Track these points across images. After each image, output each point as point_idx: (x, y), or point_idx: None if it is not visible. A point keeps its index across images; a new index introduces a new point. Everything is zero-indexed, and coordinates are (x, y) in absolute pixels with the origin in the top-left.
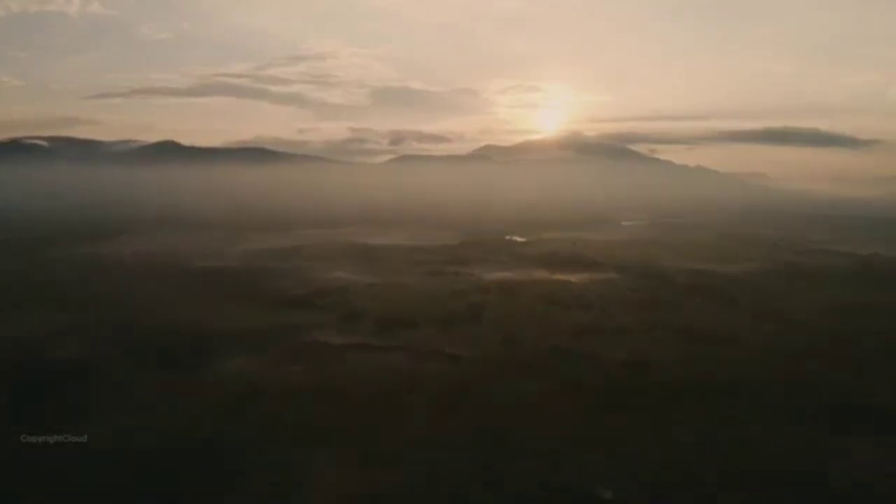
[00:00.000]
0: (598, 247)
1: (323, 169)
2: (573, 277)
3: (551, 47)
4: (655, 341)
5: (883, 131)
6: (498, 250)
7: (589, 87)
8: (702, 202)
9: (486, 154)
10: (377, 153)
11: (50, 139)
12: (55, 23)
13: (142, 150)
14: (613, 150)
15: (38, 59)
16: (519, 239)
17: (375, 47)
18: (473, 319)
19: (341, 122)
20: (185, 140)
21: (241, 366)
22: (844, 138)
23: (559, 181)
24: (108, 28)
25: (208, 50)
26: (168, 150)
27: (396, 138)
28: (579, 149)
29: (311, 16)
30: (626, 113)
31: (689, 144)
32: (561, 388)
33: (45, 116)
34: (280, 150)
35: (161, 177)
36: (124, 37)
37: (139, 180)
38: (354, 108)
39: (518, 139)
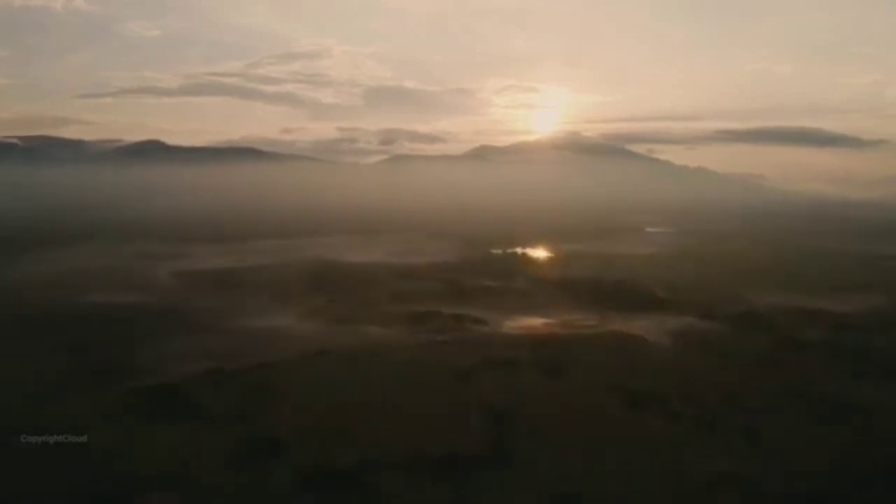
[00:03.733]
0: (643, 267)
1: (310, 169)
2: (642, 328)
3: (549, 46)
4: None
5: (887, 132)
6: (513, 273)
7: (587, 88)
8: (712, 204)
9: (481, 154)
10: (368, 153)
11: (25, 139)
12: (41, 19)
13: (124, 150)
14: (612, 150)
15: (25, 57)
16: (534, 254)
17: (370, 45)
18: (503, 464)
19: (334, 123)
20: (174, 140)
21: None
22: (847, 138)
23: (557, 182)
24: (95, 25)
25: (199, 48)
26: (152, 150)
27: (387, 138)
28: (577, 149)
29: (304, 13)
30: (624, 113)
31: (688, 144)
32: None
33: (36, 116)
34: (267, 150)
35: (141, 177)
36: (113, 34)
37: (116, 181)
38: (348, 107)
39: (514, 140)
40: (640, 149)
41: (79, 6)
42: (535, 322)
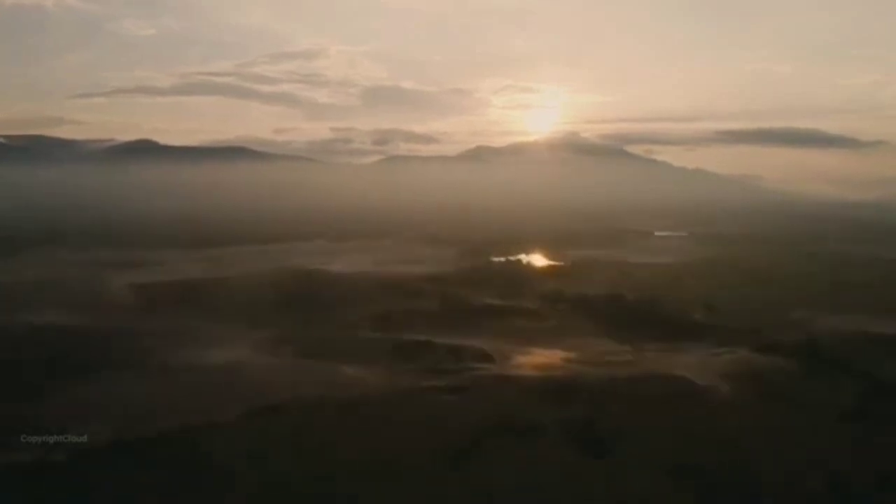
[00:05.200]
0: (666, 280)
1: (304, 169)
2: (688, 367)
3: (547, 46)
4: None
5: (885, 132)
6: (519, 288)
7: (585, 88)
8: (713, 206)
9: (478, 155)
10: (364, 153)
11: (14, 138)
12: (34, 17)
13: (115, 150)
14: (610, 151)
15: (18, 56)
16: (541, 264)
17: (366, 44)
18: None
19: (330, 123)
20: (169, 140)
21: None
22: (846, 139)
23: (556, 183)
24: (89, 23)
25: (195, 47)
26: (143, 150)
27: (381, 138)
28: (575, 150)
29: (301, 12)
30: (622, 114)
31: (686, 145)
32: None
33: (29, 116)
34: (260, 150)
35: (131, 177)
36: (107, 33)
37: (105, 181)
38: (344, 107)
39: (511, 140)
40: (638, 150)
41: (72, 4)
42: (554, 357)
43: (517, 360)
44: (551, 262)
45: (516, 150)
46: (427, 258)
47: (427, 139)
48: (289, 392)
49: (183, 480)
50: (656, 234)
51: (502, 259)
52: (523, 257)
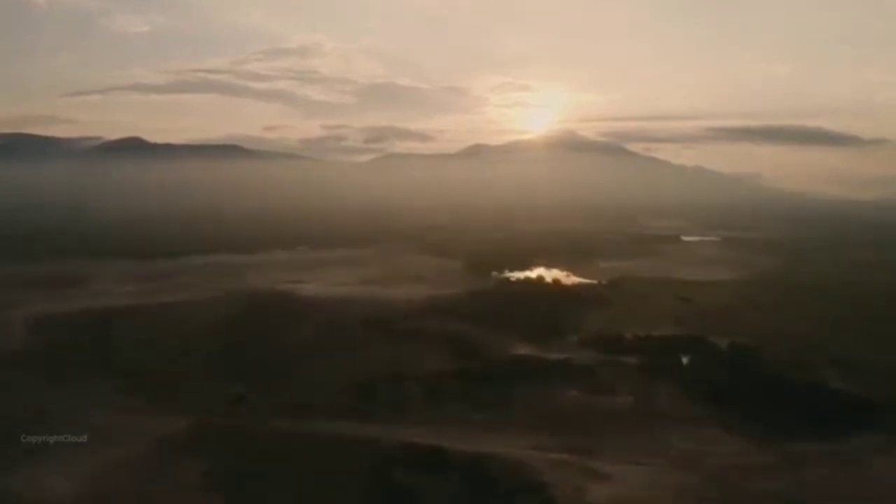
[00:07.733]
0: (736, 306)
1: (296, 168)
2: None
3: (545, 44)
4: None
5: (886, 131)
6: (553, 321)
7: (583, 86)
8: (717, 205)
9: (476, 153)
10: (359, 151)
11: None
12: (26, 13)
13: (102, 148)
14: (608, 149)
15: (8, 54)
16: (567, 280)
17: (361, 41)
18: None
19: (325, 120)
20: (163, 138)
21: None
22: (847, 137)
23: (556, 182)
24: (81, 20)
25: (187, 44)
26: (132, 148)
27: (375, 136)
28: (573, 148)
29: (295, 9)
30: (621, 112)
31: (685, 143)
32: None
33: (22, 115)
34: (252, 148)
35: (114, 176)
36: (100, 30)
37: (85, 180)
38: (339, 105)
39: (509, 139)
40: (637, 147)
41: (64, 0)
42: (660, 488)
43: (595, 499)
44: (583, 280)
45: (514, 149)
46: (426, 274)
47: (423, 137)
48: None
49: None
50: (683, 238)
51: (520, 276)
52: (544, 272)
